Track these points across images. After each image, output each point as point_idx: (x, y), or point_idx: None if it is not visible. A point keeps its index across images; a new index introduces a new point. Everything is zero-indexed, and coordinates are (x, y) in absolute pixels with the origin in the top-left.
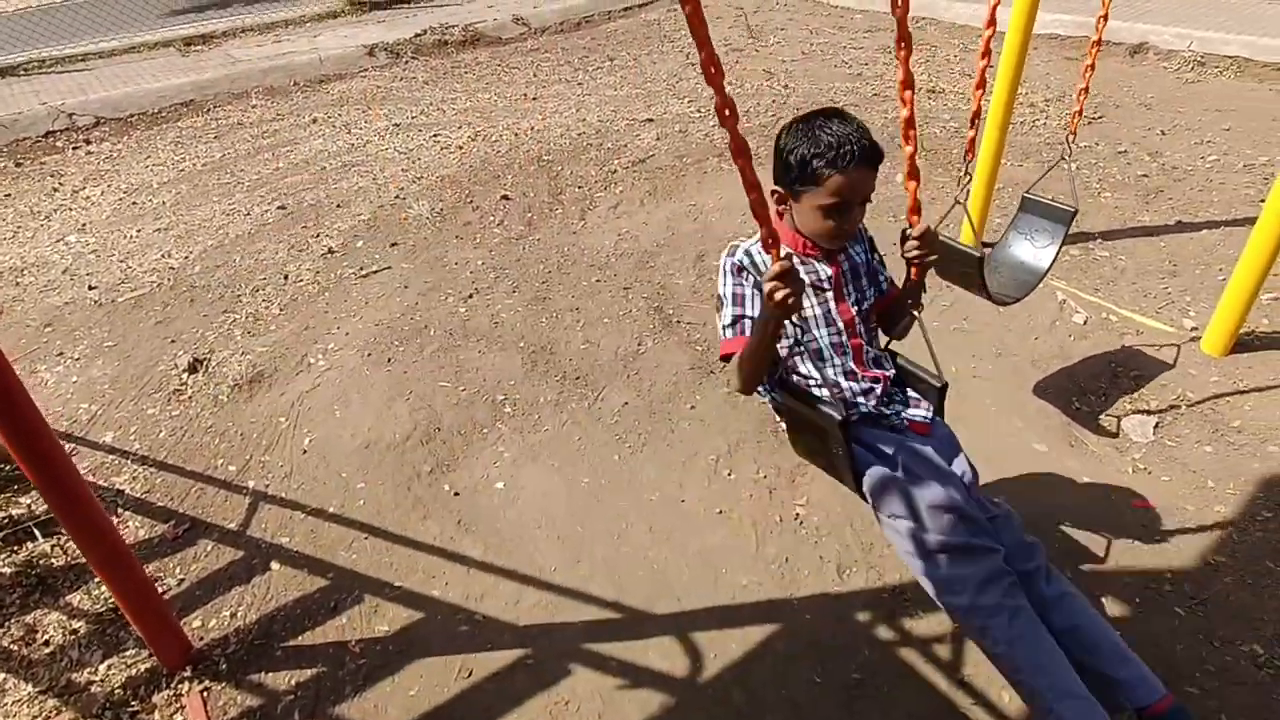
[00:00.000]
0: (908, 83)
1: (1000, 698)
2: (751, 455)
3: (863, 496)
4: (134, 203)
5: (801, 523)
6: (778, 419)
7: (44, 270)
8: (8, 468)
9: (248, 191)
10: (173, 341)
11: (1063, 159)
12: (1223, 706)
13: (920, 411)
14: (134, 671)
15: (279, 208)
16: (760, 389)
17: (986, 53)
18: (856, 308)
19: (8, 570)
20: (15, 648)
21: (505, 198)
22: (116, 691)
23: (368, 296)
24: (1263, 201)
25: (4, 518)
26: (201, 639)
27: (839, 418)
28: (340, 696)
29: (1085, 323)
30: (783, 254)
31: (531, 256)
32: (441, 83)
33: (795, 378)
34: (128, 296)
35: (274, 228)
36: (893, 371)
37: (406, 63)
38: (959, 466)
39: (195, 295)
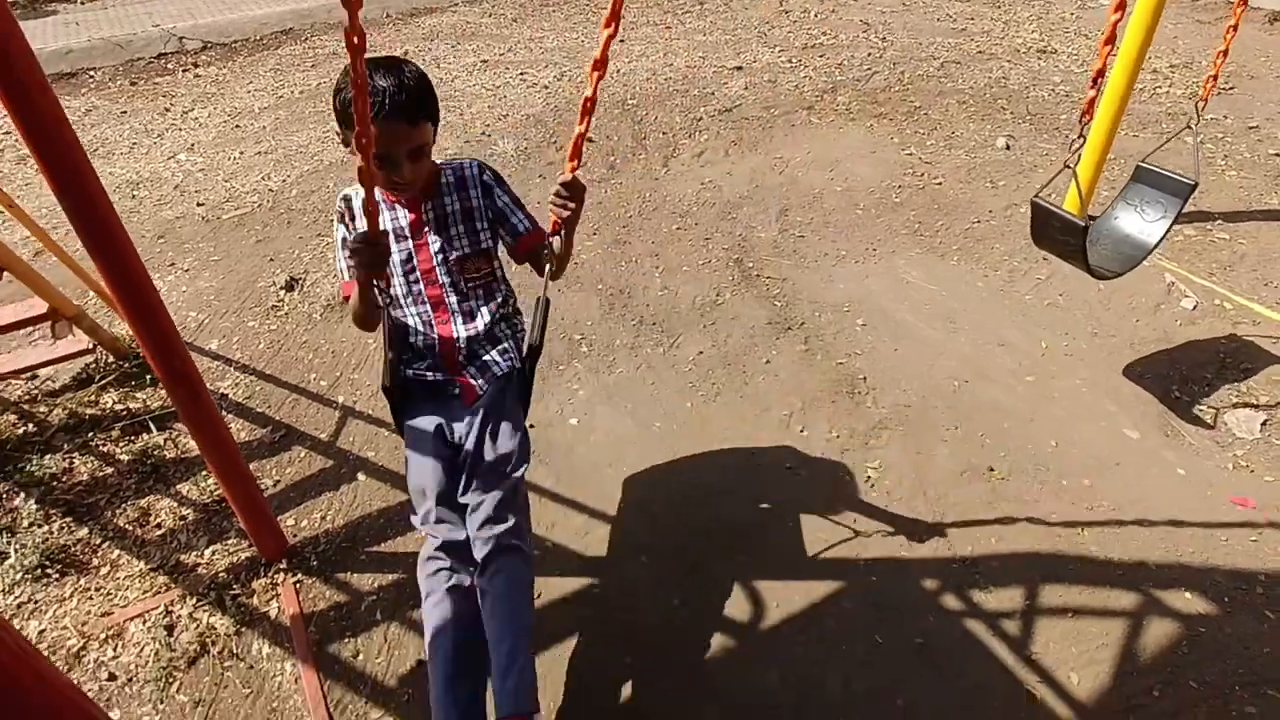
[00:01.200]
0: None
1: (1068, 679)
2: (825, 415)
3: None
4: (237, 126)
5: (873, 485)
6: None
7: (157, 185)
8: (126, 364)
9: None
10: (271, 260)
11: (1189, 126)
12: None
13: (481, 380)
14: (236, 559)
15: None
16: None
17: (1121, 5)
18: (442, 255)
19: (125, 458)
20: (130, 528)
21: (588, 140)
22: (220, 575)
23: None
24: None
25: (123, 410)
26: (295, 536)
27: (386, 384)
28: (418, 601)
29: (1195, 308)
30: (377, 196)
31: (613, 200)
32: (530, 21)
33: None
34: (231, 215)
35: None
36: (481, 327)
37: None
38: (477, 441)
39: (292, 217)
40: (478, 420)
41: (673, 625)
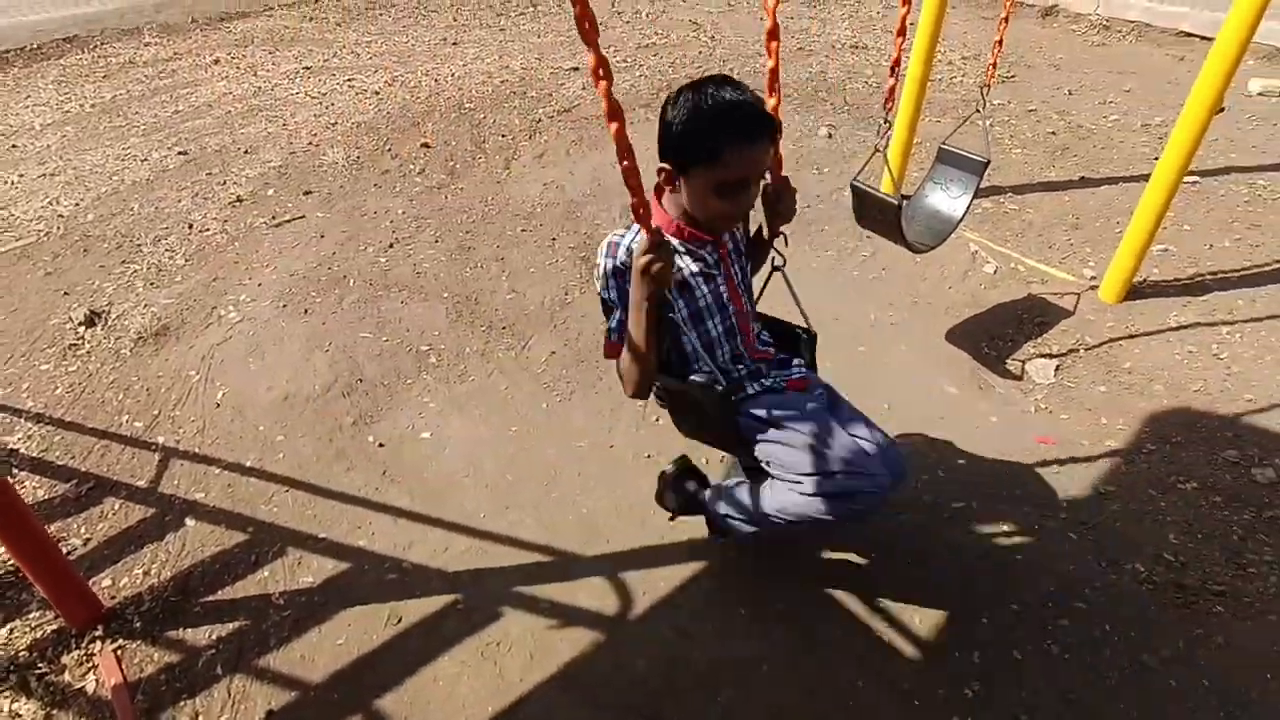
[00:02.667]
0: (774, 33)
1: (912, 620)
2: None
3: (754, 462)
4: (14, 146)
5: (724, 461)
6: (659, 405)
7: None
8: None
9: (144, 136)
10: (65, 293)
11: (977, 110)
12: (1107, 619)
13: (794, 370)
14: (40, 634)
15: (180, 153)
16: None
17: (907, 0)
18: (743, 286)
19: None
20: None
21: (426, 145)
22: (21, 654)
23: (281, 246)
24: (1156, 159)
25: None
26: (113, 598)
27: (720, 388)
28: (265, 648)
29: (995, 272)
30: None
31: (454, 206)
32: (355, 24)
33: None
34: (11, 246)
35: (175, 174)
36: (772, 344)
37: (317, 2)
38: (841, 410)
39: (89, 245)
40: (829, 396)
41: (542, 629)
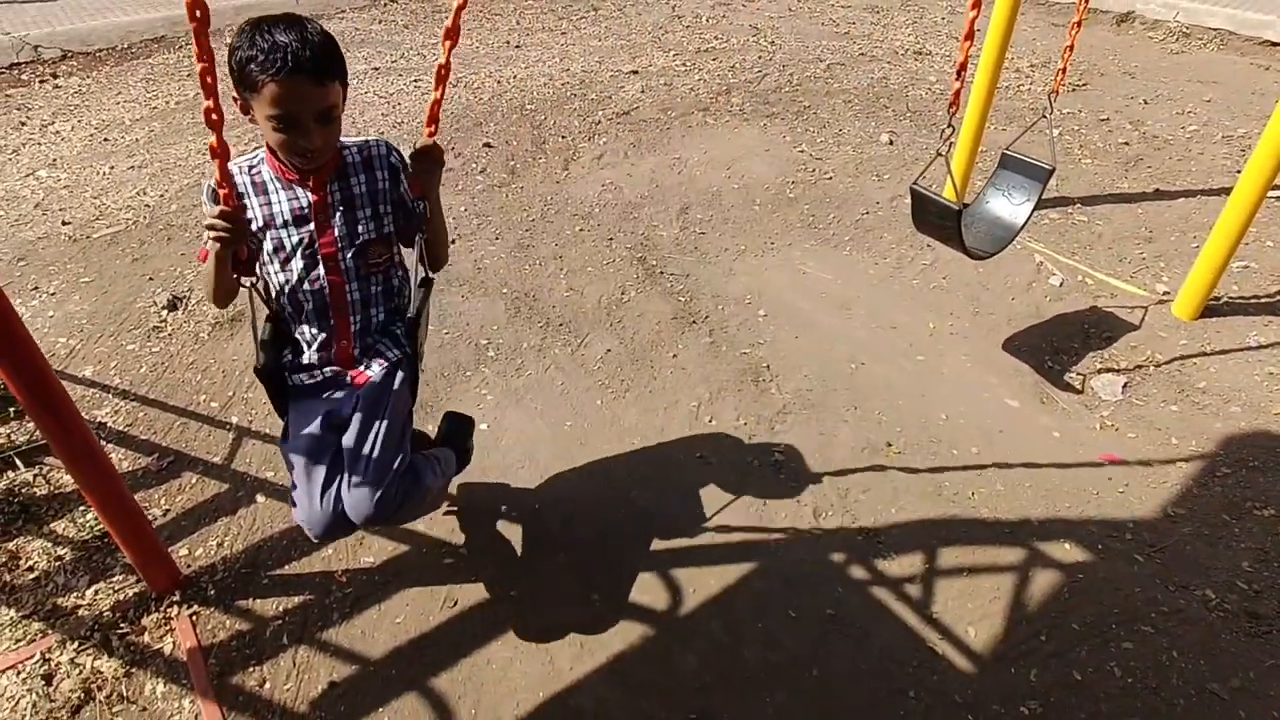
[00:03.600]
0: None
1: (966, 633)
2: (732, 403)
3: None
4: (106, 139)
5: (780, 468)
6: None
7: (14, 204)
8: None
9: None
10: (150, 279)
11: (1044, 116)
12: (1174, 644)
13: (375, 362)
14: (122, 596)
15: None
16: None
17: (977, 3)
18: (346, 241)
19: None
20: None
21: (488, 145)
22: (105, 615)
23: None
24: (1239, 173)
25: None
26: (189, 567)
27: (258, 361)
28: (328, 622)
29: (1061, 284)
30: (265, 178)
31: (514, 204)
32: (422, 27)
33: (262, 298)
34: (103, 233)
35: None
36: (380, 316)
37: (385, 5)
38: (361, 428)
39: (172, 234)
40: (361, 408)
41: (593, 620)
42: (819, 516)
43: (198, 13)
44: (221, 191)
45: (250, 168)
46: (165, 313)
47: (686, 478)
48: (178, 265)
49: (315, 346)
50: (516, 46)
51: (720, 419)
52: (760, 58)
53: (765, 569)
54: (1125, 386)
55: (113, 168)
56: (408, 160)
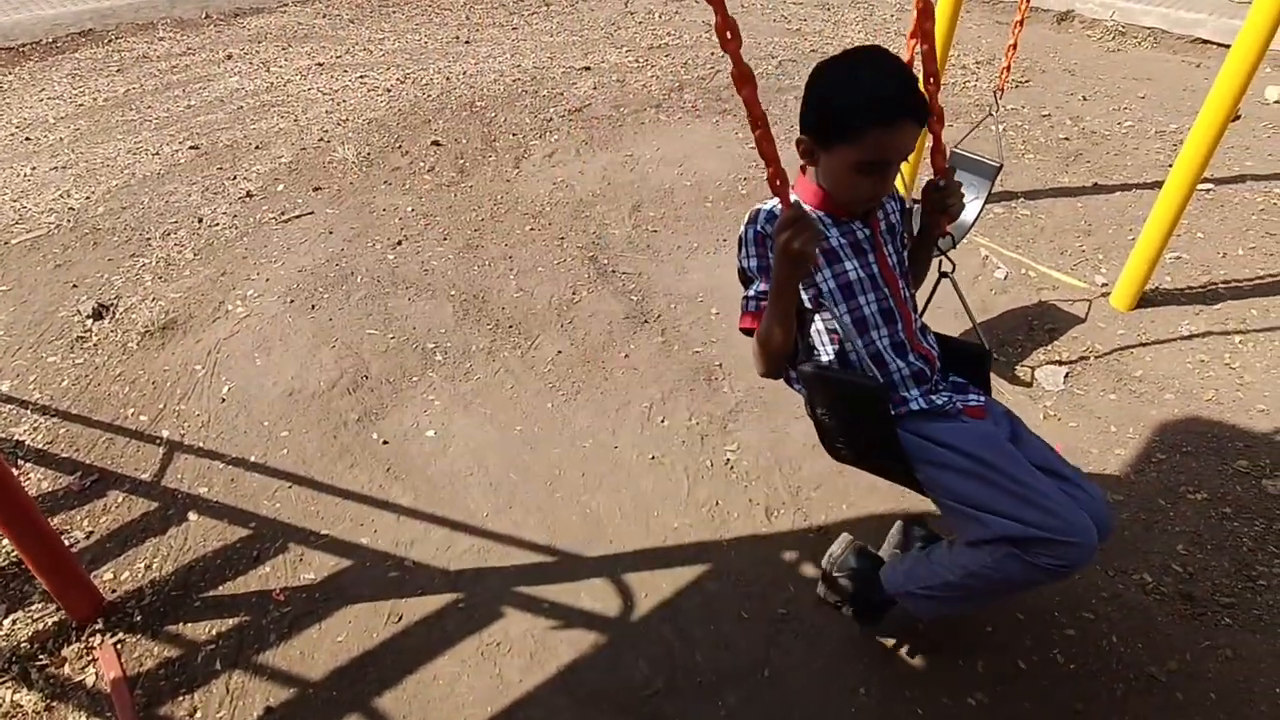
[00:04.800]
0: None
1: (916, 628)
2: (685, 403)
3: (919, 489)
4: (27, 138)
5: (732, 467)
6: (809, 417)
7: None
8: None
9: (156, 129)
10: (74, 286)
11: (990, 114)
12: (1113, 629)
13: (972, 396)
14: (41, 625)
15: (191, 148)
16: (792, 381)
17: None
18: (900, 271)
19: None
20: None
21: (436, 143)
22: (23, 645)
23: (289, 242)
24: (1170, 167)
25: None
26: (114, 591)
27: (874, 385)
28: (265, 644)
29: (1006, 278)
30: (811, 214)
31: (463, 204)
32: (368, 21)
33: (832, 356)
34: (23, 238)
35: (186, 168)
36: (936, 349)
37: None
38: (1028, 441)
39: (99, 238)
40: (1010, 427)
41: (542, 630)
42: (771, 515)
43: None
44: (780, 196)
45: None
46: (90, 322)
47: (638, 480)
48: (104, 271)
49: (909, 383)
50: (466, 42)
51: (672, 419)
52: (713, 54)
53: (717, 570)
54: (1067, 377)
55: (34, 168)
56: (937, 193)
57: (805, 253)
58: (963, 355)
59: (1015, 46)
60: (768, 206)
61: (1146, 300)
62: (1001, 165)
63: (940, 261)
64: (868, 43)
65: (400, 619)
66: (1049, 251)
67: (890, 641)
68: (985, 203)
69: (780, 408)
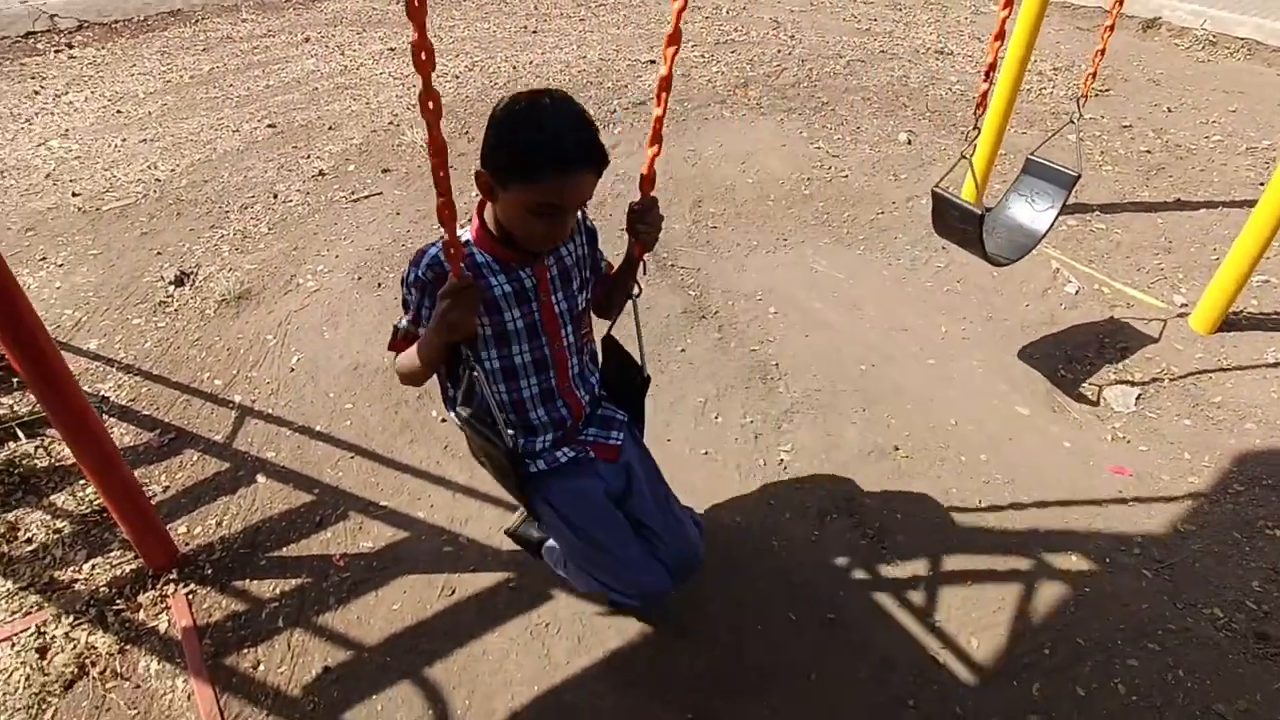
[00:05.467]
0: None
1: (969, 643)
2: (740, 400)
3: (531, 512)
4: (119, 111)
5: (785, 468)
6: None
7: (25, 174)
8: None
9: (236, 107)
10: (159, 253)
11: (1071, 122)
12: (1180, 663)
13: (614, 434)
14: (119, 571)
15: (269, 126)
16: (450, 412)
17: (1009, 2)
18: (567, 316)
19: None
20: None
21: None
22: (101, 590)
23: (359, 221)
24: (1263, 185)
25: None
26: (187, 544)
27: (505, 447)
28: (324, 606)
29: (1077, 293)
30: (477, 261)
31: None
32: (439, 8)
33: (485, 392)
34: (112, 205)
35: (263, 146)
36: (594, 388)
37: None
38: (639, 492)
39: (182, 209)
40: (627, 477)
41: (591, 615)
42: (824, 519)
43: (430, 104)
44: (450, 266)
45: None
46: (172, 288)
47: (690, 474)
48: (186, 241)
49: (548, 428)
50: (533, 32)
51: (726, 416)
52: (780, 51)
53: (767, 570)
54: (1139, 399)
55: (124, 140)
56: (636, 217)
57: (461, 323)
58: (625, 379)
59: (1103, 52)
60: (433, 251)
61: (1229, 324)
62: (1079, 175)
63: (632, 284)
64: (939, 45)
65: (453, 593)
66: (1125, 268)
67: (941, 656)
68: (1059, 213)
69: (837, 411)
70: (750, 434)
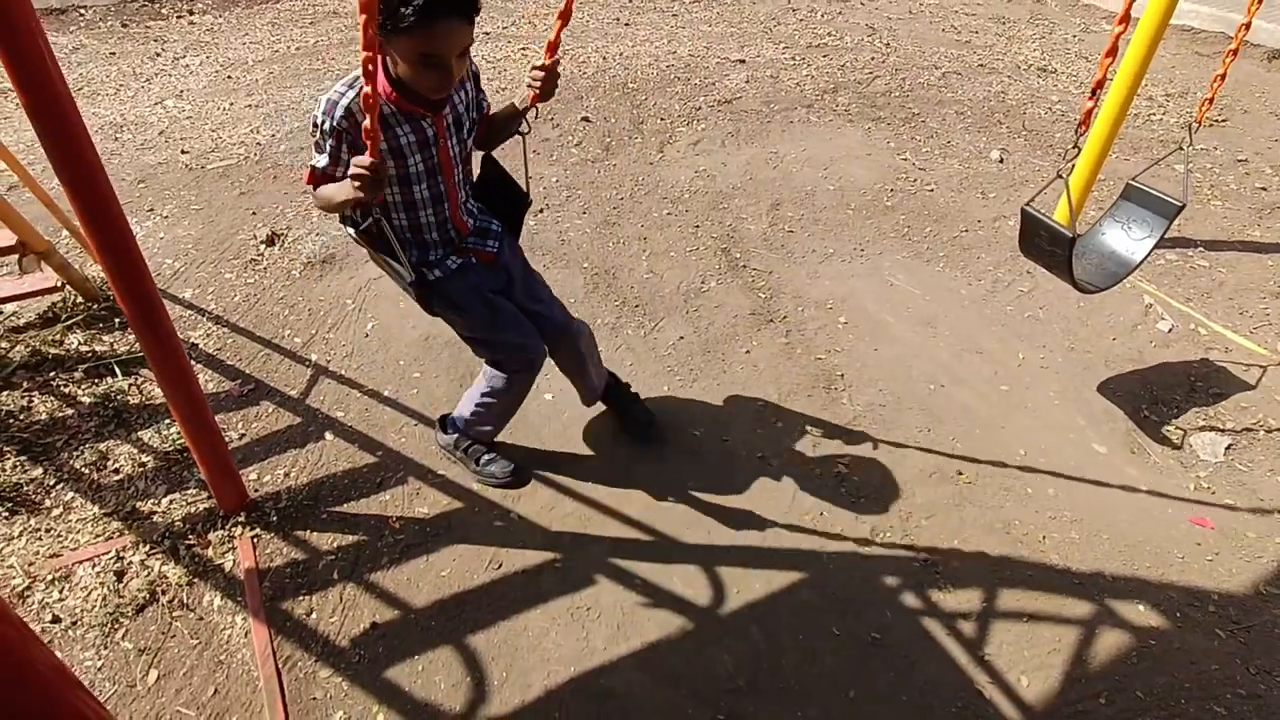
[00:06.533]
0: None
1: (1018, 681)
2: (801, 407)
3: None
4: (229, 76)
5: (842, 481)
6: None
7: (142, 129)
8: (95, 307)
9: (336, 79)
10: (254, 213)
11: (1180, 149)
12: None
13: (488, 242)
14: (194, 509)
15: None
16: (348, 228)
17: (1125, 19)
18: (458, 158)
19: (87, 400)
20: (86, 471)
21: (586, 119)
22: (176, 524)
23: None
24: None
25: (88, 352)
26: (256, 490)
27: (410, 278)
28: (377, 565)
29: (1170, 330)
30: (385, 112)
31: (605, 181)
32: None
33: (386, 222)
34: (216, 165)
35: None
36: (476, 214)
37: None
38: (520, 282)
39: (279, 173)
40: (507, 275)
41: (632, 604)
42: (877, 535)
43: None
44: (368, 142)
45: (358, 106)
46: (263, 247)
47: (744, 477)
48: (280, 204)
49: (440, 246)
50: (626, 24)
51: (787, 422)
52: (873, 59)
53: (813, 581)
54: (1229, 448)
55: (232, 104)
56: (536, 73)
57: (370, 194)
58: (509, 197)
59: (1223, 77)
60: (344, 101)
61: None
62: (1184, 205)
63: (522, 124)
64: (1042, 62)
65: (500, 566)
66: (1226, 309)
67: (988, 692)
68: (1156, 244)
69: (900, 428)
70: (810, 443)
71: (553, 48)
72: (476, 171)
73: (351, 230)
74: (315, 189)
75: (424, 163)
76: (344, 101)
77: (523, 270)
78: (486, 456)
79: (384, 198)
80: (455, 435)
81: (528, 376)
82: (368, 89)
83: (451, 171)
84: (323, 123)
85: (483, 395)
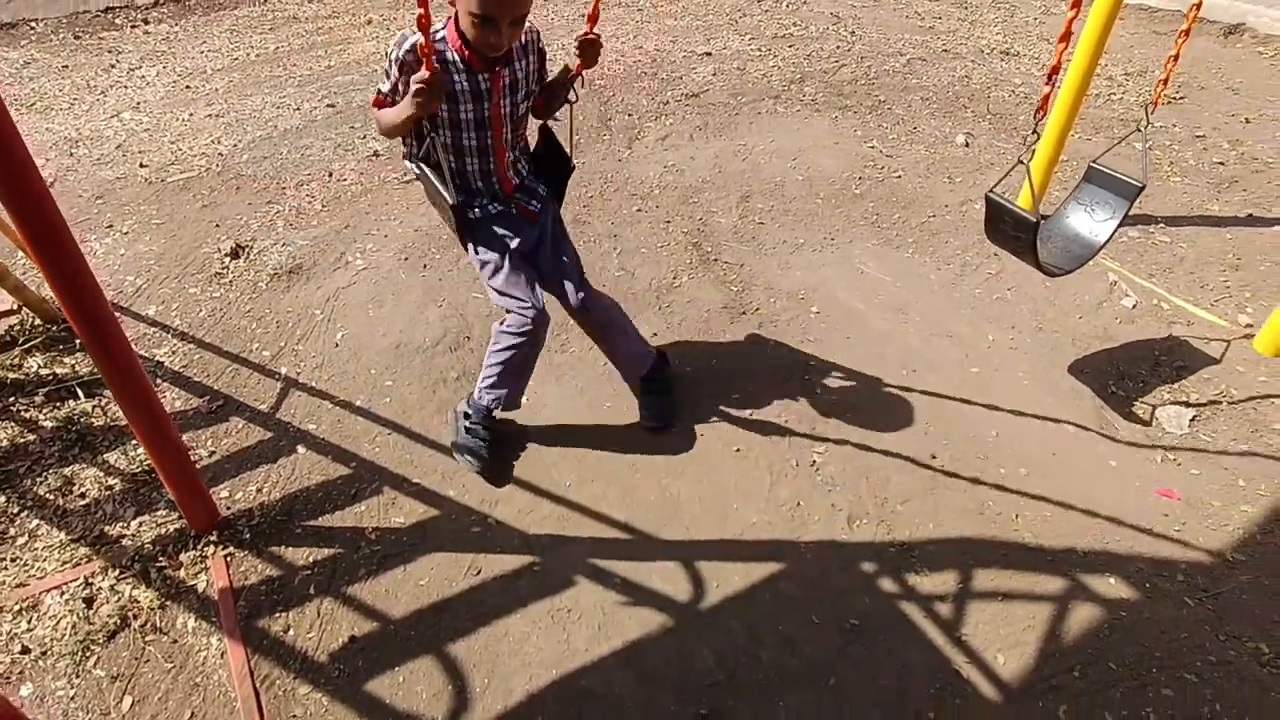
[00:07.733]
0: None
1: (995, 659)
2: (775, 398)
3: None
4: (187, 86)
5: (817, 469)
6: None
7: (98, 143)
8: (54, 328)
9: (298, 86)
10: (217, 226)
11: (1138, 129)
12: (1218, 696)
13: (533, 201)
14: (164, 531)
15: (328, 105)
16: (408, 162)
17: (1077, 3)
18: (509, 119)
19: (49, 424)
20: (51, 497)
21: (553, 118)
22: (146, 547)
23: (409, 202)
24: None
25: (49, 375)
26: (228, 509)
27: (452, 201)
28: (354, 577)
29: (1134, 307)
30: (448, 58)
31: (574, 179)
32: None
33: (439, 154)
34: (177, 177)
35: (322, 125)
36: (524, 175)
37: None
38: (550, 246)
39: (241, 183)
40: (539, 235)
41: (612, 604)
42: (852, 523)
43: None
44: (425, 62)
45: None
46: (228, 260)
47: (720, 469)
48: (244, 215)
49: (484, 194)
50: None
51: (762, 414)
52: (838, 47)
53: (791, 571)
54: (1193, 420)
55: (191, 114)
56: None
57: (425, 105)
58: (555, 160)
59: (1177, 58)
60: (414, 38)
61: None
62: (1144, 186)
63: (571, 94)
64: (1005, 45)
65: (479, 573)
66: (1187, 284)
67: (965, 671)
68: (1120, 224)
69: (874, 415)
70: (784, 433)
71: (593, 18)
72: (534, 141)
73: (409, 164)
74: (379, 111)
75: (474, 113)
76: (413, 39)
77: (554, 238)
78: (468, 430)
79: (436, 135)
80: (467, 398)
81: (524, 341)
82: (421, 40)
83: (501, 129)
84: (392, 52)
85: (490, 354)
